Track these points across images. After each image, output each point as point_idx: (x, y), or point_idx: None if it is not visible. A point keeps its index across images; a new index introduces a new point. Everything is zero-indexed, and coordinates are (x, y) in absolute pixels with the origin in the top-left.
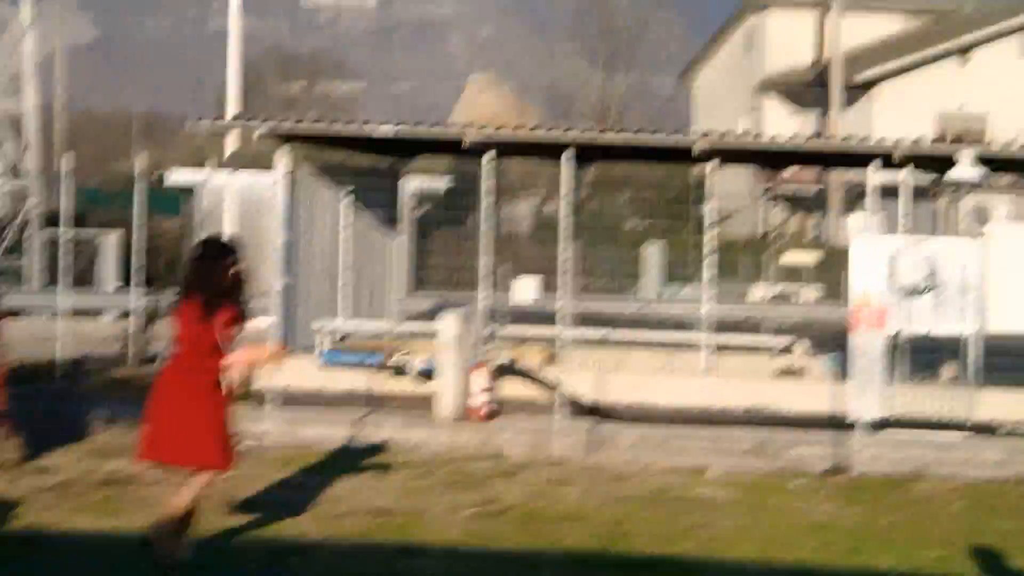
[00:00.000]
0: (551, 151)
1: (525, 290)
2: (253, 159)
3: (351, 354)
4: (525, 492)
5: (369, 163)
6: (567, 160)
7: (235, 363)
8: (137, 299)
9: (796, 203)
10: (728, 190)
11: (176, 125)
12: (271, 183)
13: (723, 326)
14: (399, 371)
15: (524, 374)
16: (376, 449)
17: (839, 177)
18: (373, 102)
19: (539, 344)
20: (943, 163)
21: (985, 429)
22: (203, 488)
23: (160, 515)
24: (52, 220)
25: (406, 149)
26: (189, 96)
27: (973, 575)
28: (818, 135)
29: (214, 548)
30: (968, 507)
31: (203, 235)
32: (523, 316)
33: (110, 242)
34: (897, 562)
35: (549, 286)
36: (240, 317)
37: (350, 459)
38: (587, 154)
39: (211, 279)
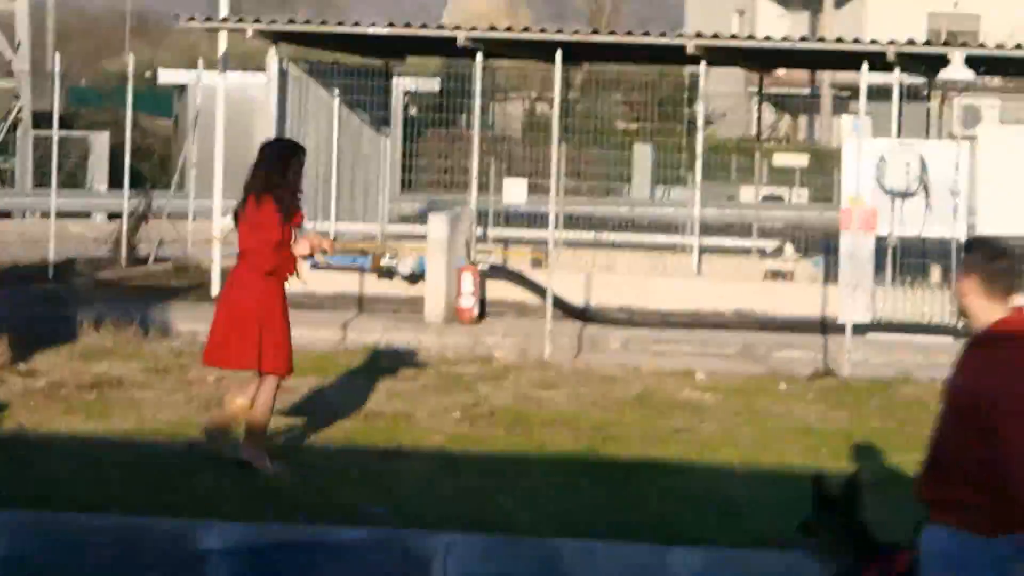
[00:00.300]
0: (542, 52)
1: (515, 192)
2: (246, 58)
3: (340, 256)
4: (512, 395)
5: (360, 63)
6: (558, 61)
7: (302, 246)
8: (128, 200)
9: (788, 104)
10: (719, 91)
11: (168, 23)
12: (263, 83)
13: (713, 228)
14: (388, 273)
15: (513, 276)
16: (365, 351)
17: (831, 78)
18: (364, 2)
19: (529, 246)
20: (935, 63)
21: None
22: (272, 392)
23: (218, 416)
24: (43, 120)
25: (398, 49)
26: None
27: None
28: (810, 36)
29: (201, 450)
30: None
31: (266, 139)
32: (513, 218)
33: (101, 142)
34: (882, 464)
35: (540, 188)
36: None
37: (339, 361)
38: (578, 55)
39: (285, 179)
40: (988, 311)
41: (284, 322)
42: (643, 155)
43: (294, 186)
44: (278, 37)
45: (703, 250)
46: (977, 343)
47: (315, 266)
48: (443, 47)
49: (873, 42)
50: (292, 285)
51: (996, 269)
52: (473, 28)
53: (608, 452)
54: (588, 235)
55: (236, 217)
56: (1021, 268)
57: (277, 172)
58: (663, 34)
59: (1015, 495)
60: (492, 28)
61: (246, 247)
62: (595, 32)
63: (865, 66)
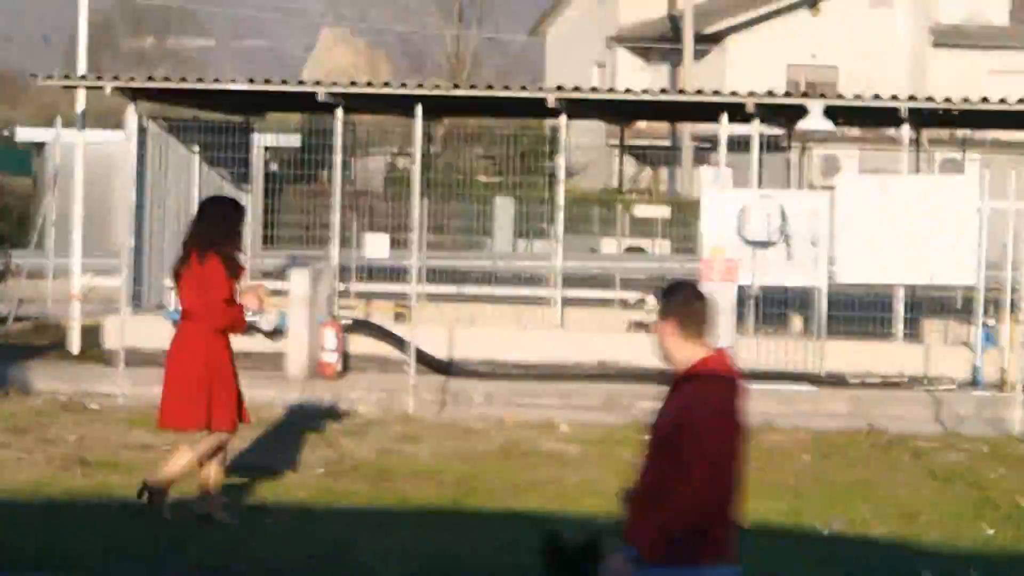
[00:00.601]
0: (402, 106)
1: (376, 246)
2: (105, 115)
3: None
4: (376, 449)
5: (221, 120)
6: (418, 116)
7: (245, 300)
8: None
9: (649, 156)
10: (581, 143)
11: (26, 81)
12: (122, 140)
13: (575, 280)
14: (249, 329)
15: (376, 330)
16: None
17: (691, 130)
18: (224, 57)
19: (391, 300)
20: (794, 114)
21: (834, 380)
22: (210, 449)
23: (162, 475)
24: None
25: (258, 105)
26: (38, 50)
27: (822, 525)
28: (670, 88)
29: (62, 506)
30: (815, 457)
31: (208, 197)
32: (375, 272)
33: None
34: (744, 513)
35: (402, 242)
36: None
37: None
38: (439, 109)
39: (230, 236)
40: (686, 351)
41: (234, 378)
42: (505, 208)
43: (237, 243)
44: (137, 94)
45: (566, 302)
46: (679, 381)
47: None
48: (303, 102)
49: (733, 94)
50: (153, 339)
51: (692, 311)
52: (333, 84)
53: (471, 504)
54: (451, 289)
55: (176, 275)
56: (715, 311)
57: (220, 229)
58: (524, 88)
59: (698, 524)
60: (352, 83)
61: (192, 306)
62: (455, 87)
63: (725, 117)
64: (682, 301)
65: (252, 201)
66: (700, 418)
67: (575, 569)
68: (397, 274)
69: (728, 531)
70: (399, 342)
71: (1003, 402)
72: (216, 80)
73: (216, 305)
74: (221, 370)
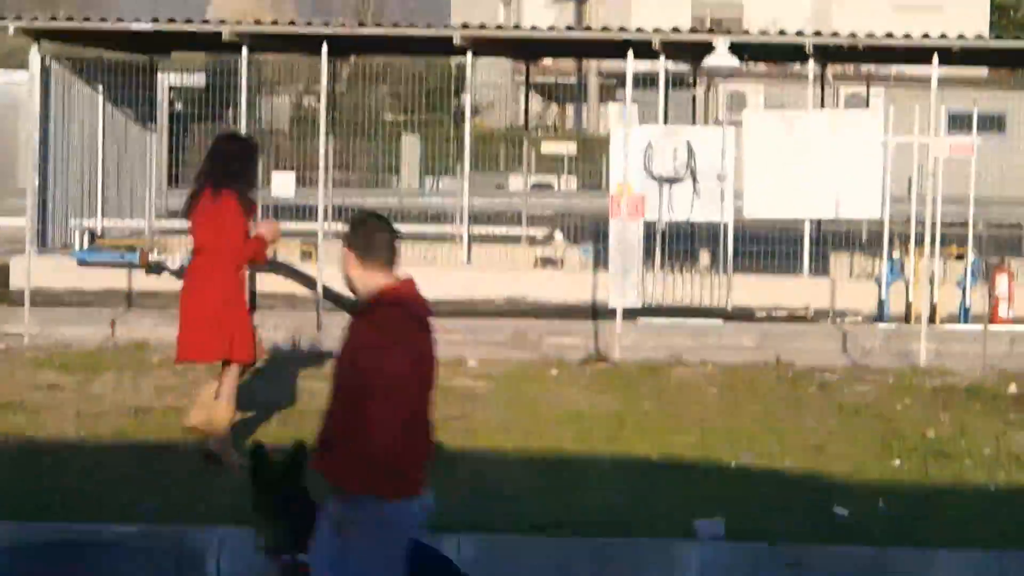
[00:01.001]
0: (308, 45)
1: (283, 185)
2: (7, 56)
3: (108, 252)
4: (281, 389)
5: (125, 60)
6: (323, 54)
7: (259, 236)
8: None
9: (555, 93)
10: (487, 81)
11: None
12: (25, 81)
13: (483, 217)
14: (157, 268)
15: (283, 269)
16: (135, 347)
17: (597, 67)
18: None
19: (299, 239)
20: (700, 51)
21: (741, 315)
22: (235, 381)
23: (208, 423)
24: None
25: (162, 45)
26: None
27: (728, 457)
28: (576, 25)
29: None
30: (723, 391)
31: (219, 133)
32: (282, 211)
33: None
34: (654, 447)
35: (309, 181)
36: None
37: (109, 358)
38: (344, 48)
39: (245, 173)
40: (368, 280)
41: (248, 311)
42: (411, 146)
43: (251, 180)
44: (40, 34)
45: (473, 239)
46: (362, 312)
47: (83, 262)
48: (208, 42)
49: (638, 30)
50: (61, 279)
51: (372, 241)
52: (238, 22)
53: None
54: None
55: (188, 211)
56: (398, 240)
57: (234, 167)
58: (429, 25)
59: (377, 459)
60: (257, 22)
61: (206, 242)
62: (361, 25)
63: (631, 54)
64: (363, 231)
65: (157, 141)
66: (375, 354)
67: (278, 486)
68: (304, 213)
69: (415, 468)
70: (307, 280)
71: (909, 334)
72: (119, 20)
73: (234, 242)
74: (236, 303)
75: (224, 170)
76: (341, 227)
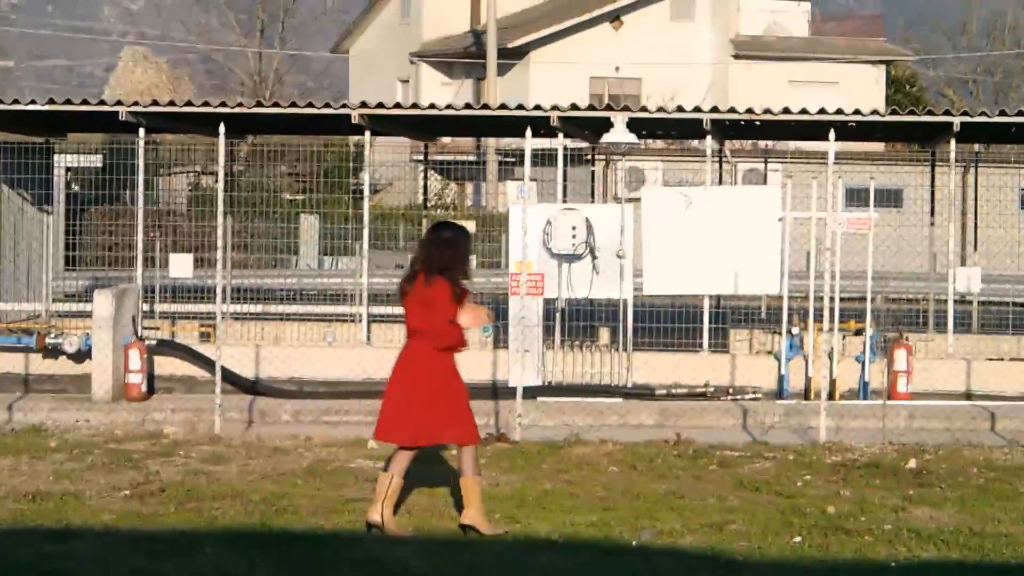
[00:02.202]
0: (206, 125)
1: (181, 266)
2: None
3: (4, 336)
4: (182, 471)
5: (21, 140)
6: (221, 134)
7: (466, 321)
8: None
9: (454, 171)
10: (385, 160)
11: None
12: None
13: (382, 297)
14: (54, 351)
15: (181, 351)
16: (31, 431)
17: (496, 144)
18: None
19: (197, 320)
20: (598, 127)
21: (641, 392)
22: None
23: (383, 499)
24: None
25: (59, 125)
26: None
27: (628, 536)
28: (474, 103)
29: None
30: (623, 469)
31: (436, 221)
32: (180, 292)
33: None
34: (555, 527)
35: (206, 261)
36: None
37: (4, 443)
38: (242, 127)
39: (456, 261)
40: None
41: (465, 393)
42: (310, 225)
43: (464, 269)
44: None
45: (373, 319)
46: None
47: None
48: (105, 122)
49: (536, 108)
50: None
51: None
52: (135, 103)
53: (280, 524)
54: (256, 307)
55: (403, 294)
56: None
57: (448, 254)
58: (327, 104)
59: None
60: (154, 102)
61: (418, 326)
62: (258, 104)
63: (529, 132)
64: None
65: (54, 222)
66: None
67: None
68: (202, 293)
69: None
70: (205, 362)
71: (808, 410)
72: (16, 101)
73: (439, 326)
74: (450, 385)
75: (439, 258)
76: (239, 308)
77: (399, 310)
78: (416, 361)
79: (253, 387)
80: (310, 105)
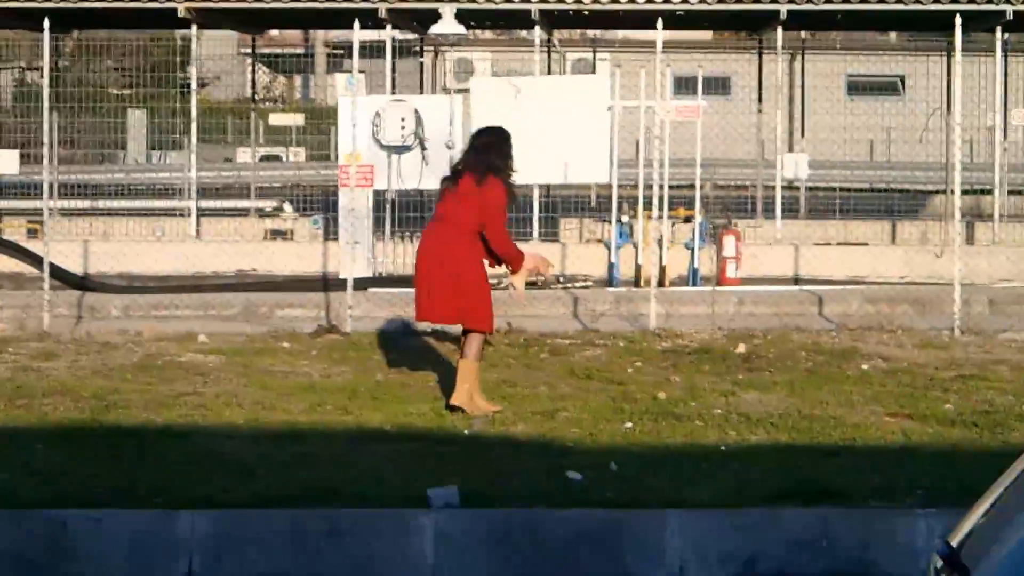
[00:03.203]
0: (30, 20)
1: (6, 162)
2: None
3: None
4: (11, 367)
5: None
6: (46, 28)
7: (526, 264)
8: None
9: (282, 64)
10: (213, 54)
11: None
12: None
13: (211, 191)
14: None
15: (8, 247)
16: None
17: (324, 37)
18: None
19: (23, 217)
20: (427, 19)
21: None
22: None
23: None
24: None
25: None
26: None
27: (461, 425)
28: None
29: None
30: (454, 358)
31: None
32: (6, 189)
33: None
34: (387, 418)
35: (33, 158)
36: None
37: None
38: (68, 21)
39: (503, 160)
40: None
41: (479, 280)
42: (137, 120)
43: (510, 167)
44: None
45: (201, 213)
46: None
47: None
48: None
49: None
50: None
51: None
52: None
53: (112, 419)
54: (84, 203)
55: (442, 192)
56: None
57: (495, 155)
58: None
59: None
60: None
61: (449, 212)
62: None
63: (357, 23)
64: None
65: None
66: None
67: None
68: (29, 190)
69: None
70: (33, 258)
71: (638, 297)
72: None
73: (503, 237)
74: (467, 270)
75: (486, 159)
76: (67, 204)
77: (228, 203)
78: (443, 244)
79: (82, 283)
80: None
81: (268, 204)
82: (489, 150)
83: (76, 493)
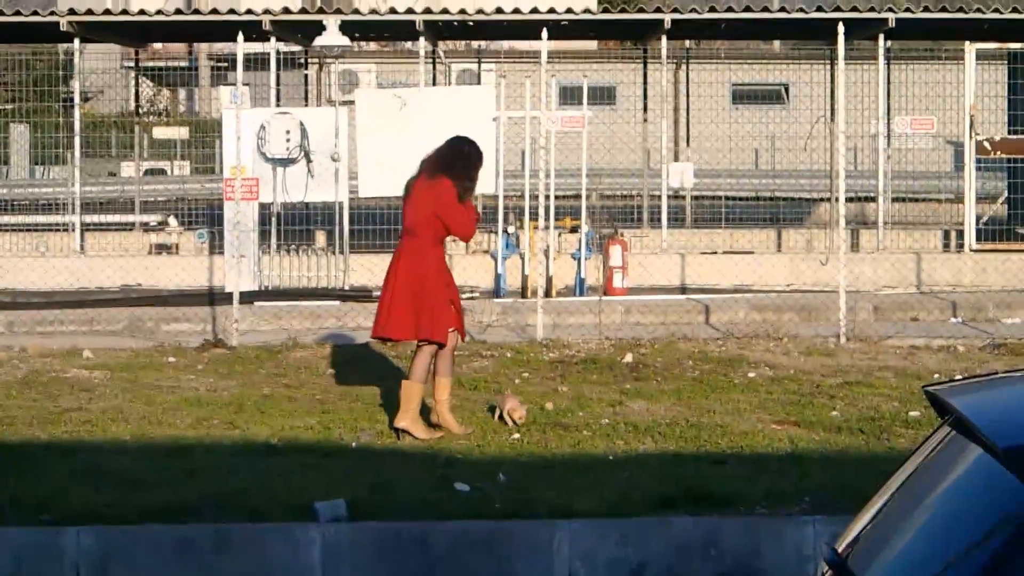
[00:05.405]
0: None
1: None
2: None
3: None
4: None
5: None
6: None
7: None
8: None
9: (166, 77)
10: (96, 67)
11: None
12: None
13: (95, 205)
14: None
15: None
16: None
17: (208, 49)
18: None
19: None
20: (311, 31)
21: (358, 294)
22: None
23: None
24: None
25: None
26: None
27: (348, 438)
28: (185, 8)
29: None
30: (342, 373)
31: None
32: None
33: None
34: (274, 431)
35: None
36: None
37: None
38: None
39: (457, 163)
40: None
41: (444, 292)
42: (20, 135)
43: (469, 177)
44: None
45: (85, 228)
46: None
47: None
48: None
49: (248, 12)
50: None
51: None
52: None
53: None
54: None
55: (405, 195)
56: None
57: (451, 158)
58: (35, 12)
59: None
60: None
61: (414, 222)
62: None
63: (241, 36)
64: None
65: None
66: None
67: None
68: None
69: None
70: None
71: (526, 308)
72: None
73: (455, 215)
74: (432, 283)
75: (442, 160)
76: None
77: (113, 218)
78: (409, 262)
79: None
80: (17, 13)
81: (153, 218)
82: (447, 154)
83: None
